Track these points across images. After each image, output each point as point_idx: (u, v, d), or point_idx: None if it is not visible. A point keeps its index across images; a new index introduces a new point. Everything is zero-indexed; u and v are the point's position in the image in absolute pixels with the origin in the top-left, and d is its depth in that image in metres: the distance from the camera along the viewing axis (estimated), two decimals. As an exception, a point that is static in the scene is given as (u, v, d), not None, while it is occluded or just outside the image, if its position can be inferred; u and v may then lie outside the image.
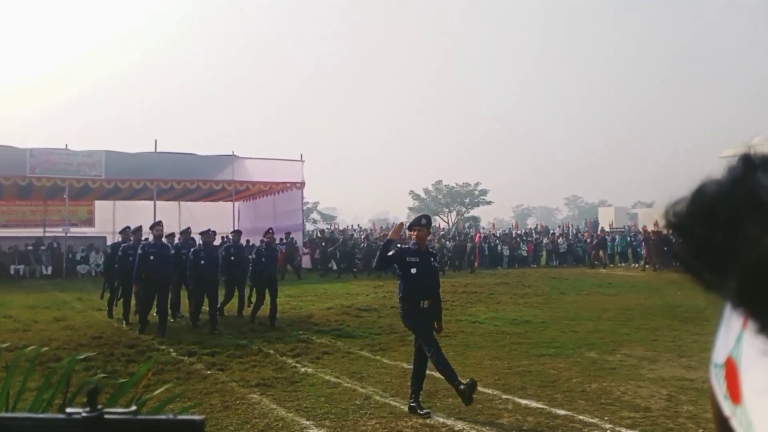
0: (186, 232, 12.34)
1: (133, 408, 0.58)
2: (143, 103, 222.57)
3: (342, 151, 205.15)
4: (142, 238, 11.44)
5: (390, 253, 5.76)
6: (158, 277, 9.67)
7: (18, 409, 1.74)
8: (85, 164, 22.78)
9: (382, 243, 8.02)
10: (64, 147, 22.95)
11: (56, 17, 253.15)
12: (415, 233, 5.88)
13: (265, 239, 11.31)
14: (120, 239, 12.25)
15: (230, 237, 12.60)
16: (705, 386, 4.38)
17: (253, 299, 10.86)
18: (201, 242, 11.12)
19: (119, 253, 10.90)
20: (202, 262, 10.35)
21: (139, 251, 9.84)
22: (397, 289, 5.98)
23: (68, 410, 0.62)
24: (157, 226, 10.39)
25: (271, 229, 11.86)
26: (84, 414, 0.55)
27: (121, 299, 10.95)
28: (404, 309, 5.78)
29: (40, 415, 0.58)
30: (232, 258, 11.38)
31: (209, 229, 11.43)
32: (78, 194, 25.17)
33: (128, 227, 11.92)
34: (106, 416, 0.55)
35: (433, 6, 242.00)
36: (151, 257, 9.69)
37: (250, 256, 11.56)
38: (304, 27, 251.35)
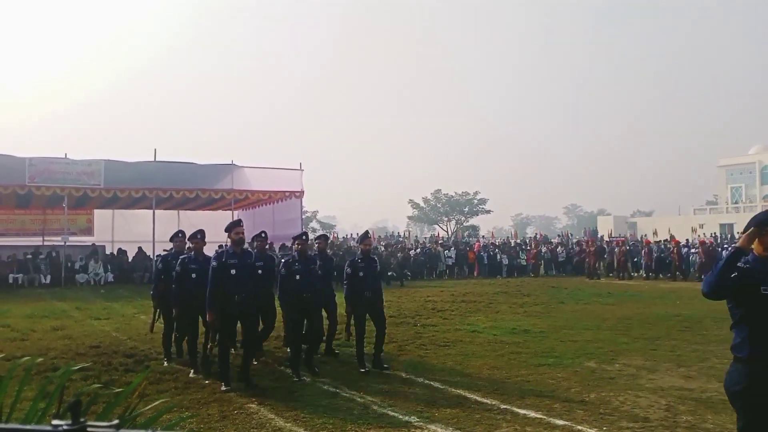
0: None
1: (115, 422, 0.58)
2: (142, 113, 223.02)
3: (341, 159, 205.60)
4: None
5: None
6: (243, 299, 6.98)
7: (12, 420, 1.73)
8: (84, 173, 22.77)
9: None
10: (64, 156, 22.92)
11: (55, 25, 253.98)
12: None
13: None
14: (172, 250, 9.63)
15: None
16: (704, 396, 4.42)
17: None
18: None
19: (177, 268, 7.95)
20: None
21: (214, 264, 6.96)
22: None
23: (54, 422, 0.62)
24: (236, 227, 7.27)
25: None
26: (65, 427, 0.55)
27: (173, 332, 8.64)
28: None
29: (27, 427, 0.59)
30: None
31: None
32: (77, 203, 25.17)
33: (181, 232, 9.45)
34: (88, 429, 0.56)
35: (432, 14, 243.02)
36: (233, 271, 6.87)
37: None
38: (303, 36, 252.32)
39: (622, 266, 25.84)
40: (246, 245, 7.80)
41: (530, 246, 31.25)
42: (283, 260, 8.21)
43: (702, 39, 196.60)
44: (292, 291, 7.53)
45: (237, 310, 6.90)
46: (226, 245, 8.16)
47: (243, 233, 7.21)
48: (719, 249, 27.46)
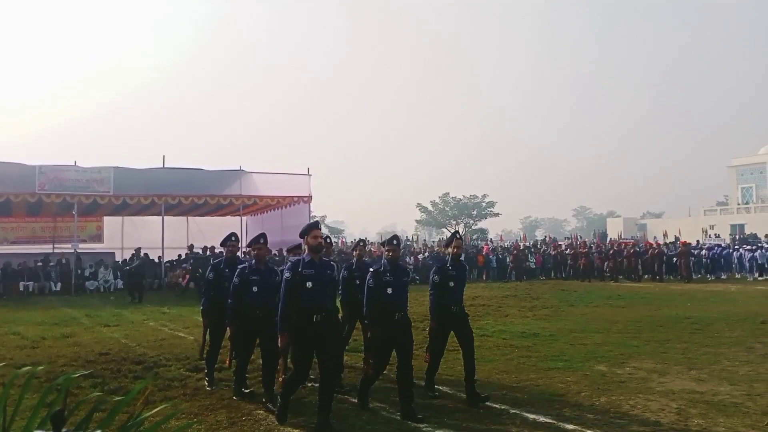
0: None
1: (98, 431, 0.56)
2: (151, 120, 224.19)
3: (349, 164, 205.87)
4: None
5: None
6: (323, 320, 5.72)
7: (13, 429, 1.73)
8: (93, 180, 22.92)
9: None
10: (73, 164, 23.09)
11: (66, 35, 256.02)
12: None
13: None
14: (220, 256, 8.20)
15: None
16: (715, 399, 4.37)
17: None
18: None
19: (235, 280, 6.58)
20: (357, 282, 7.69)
21: (287, 275, 5.68)
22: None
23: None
24: (313, 230, 6.00)
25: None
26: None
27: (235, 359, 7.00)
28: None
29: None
30: (357, 282, 7.74)
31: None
32: (87, 210, 25.32)
33: (234, 235, 7.65)
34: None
35: (440, 18, 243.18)
36: (309, 283, 5.64)
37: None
38: (311, 42, 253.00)
39: (633, 269, 25.77)
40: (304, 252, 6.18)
41: (541, 248, 31.17)
42: (371, 269, 6.46)
43: (711, 38, 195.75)
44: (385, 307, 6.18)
45: (314, 334, 5.57)
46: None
47: (321, 237, 5.99)
48: (703, 251, 27.34)
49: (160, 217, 24.33)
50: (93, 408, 1.80)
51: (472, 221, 64.29)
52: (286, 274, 5.71)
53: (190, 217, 29.49)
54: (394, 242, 6.48)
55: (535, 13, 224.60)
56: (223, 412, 6.05)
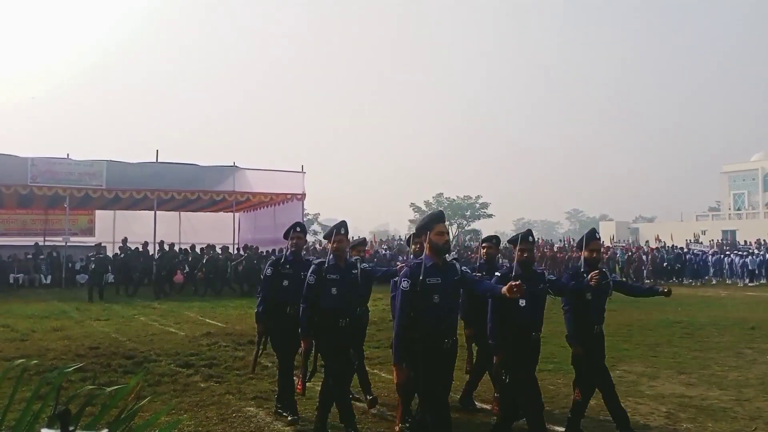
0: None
1: (105, 431, 0.56)
2: (145, 114, 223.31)
3: (343, 163, 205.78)
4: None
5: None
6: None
7: (7, 421, 1.72)
8: (86, 174, 22.79)
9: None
10: (66, 156, 22.96)
11: (58, 28, 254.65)
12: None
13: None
14: (285, 249, 6.57)
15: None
16: (704, 404, 4.37)
17: None
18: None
19: (311, 279, 5.36)
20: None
21: (405, 283, 4.35)
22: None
23: (43, 431, 0.61)
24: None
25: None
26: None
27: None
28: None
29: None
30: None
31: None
32: (79, 204, 25.19)
33: (300, 225, 6.35)
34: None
35: (435, 17, 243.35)
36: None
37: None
38: (306, 38, 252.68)
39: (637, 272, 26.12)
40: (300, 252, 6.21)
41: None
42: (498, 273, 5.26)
43: (705, 44, 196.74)
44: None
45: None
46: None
47: (447, 233, 4.68)
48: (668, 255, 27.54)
49: (153, 212, 24.22)
50: (86, 402, 1.79)
51: (465, 222, 64.34)
52: (406, 280, 4.28)
53: (182, 213, 29.39)
54: (530, 239, 5.15)
55: (537, 17, 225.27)
56: (213, 409, 6.04)
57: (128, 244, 22.16)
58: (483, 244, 6.73)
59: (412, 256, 6.00)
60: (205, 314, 13.89)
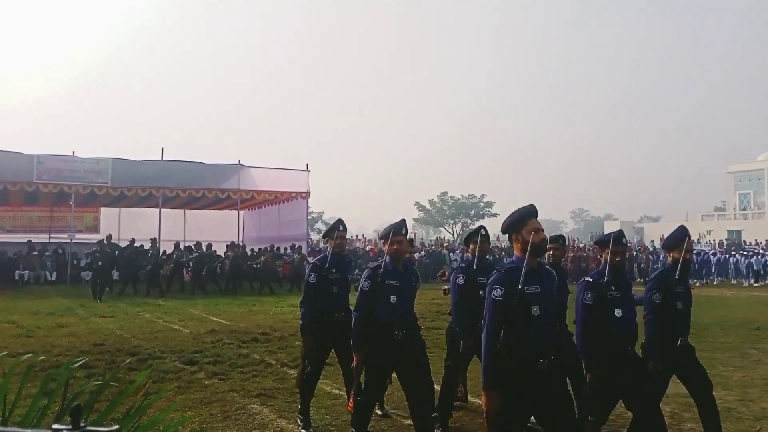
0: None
1: (116, 427, 0.57)
2: (150, 112, 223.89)
3: (347, 161, 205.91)
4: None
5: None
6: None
7: (14, 417, 1.73)
8: (91, 171, 22.89)
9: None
10: (71, 154, 23.06)
11: (62, 26, 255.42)
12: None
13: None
14: (326, 247, 6.23)
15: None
16: (708, 404, 4.22)
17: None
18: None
19: (364, 284, 4.69)
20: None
21: (501, 289, 3.65)
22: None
23: (54, 426, 0.61)
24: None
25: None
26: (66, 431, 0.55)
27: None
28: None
29: (28, 431, 0.59)
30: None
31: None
32: (84, 201, 25.29)
33: (342, 223, 5.64)
34: (88, 434, 0.55)
35: (439, 16, 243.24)
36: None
37: None
38: (311, 38, 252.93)
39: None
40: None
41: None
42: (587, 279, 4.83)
43: (712, 44, 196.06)
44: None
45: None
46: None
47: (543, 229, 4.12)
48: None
49: (157, 210, 24.29)
50: (92, 398, 1.80)
51: (469, 221, 64.35)
52: (495, 285, 3.66)
53: (187, 210, 29.46)
54: (624, 240, 4.63)
55: (545, 22, 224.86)
56: (217, 406, 6.05)
57: (114, 242, 22.11)
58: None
59: (468, 257, 5.57)
60: (210, 311, 13.92)
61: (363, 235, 43.58)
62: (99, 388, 1.84)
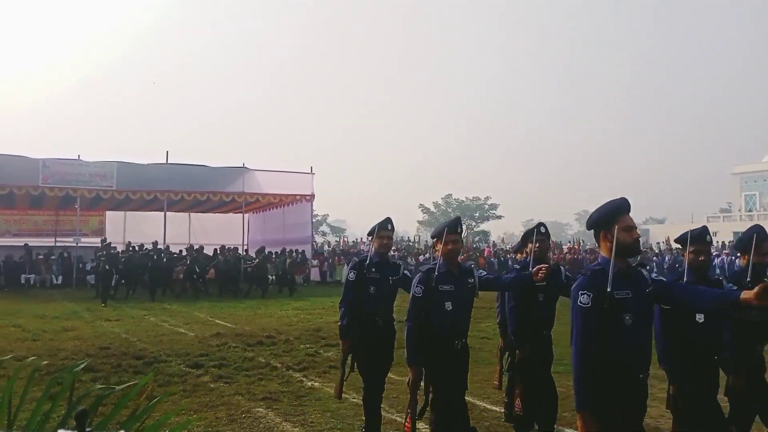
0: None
1: (121, 431, 0.56)
2: (155, 115, 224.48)
3: (352, 164, 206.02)
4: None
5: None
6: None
7: (19, 420, 1.73)
8: (97, 175, 22.97)
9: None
10: (77, 158, 23.14)
11: (66, 30, 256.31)
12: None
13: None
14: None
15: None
16: (715, 408, 4.16)
17: None
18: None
19: (416, 290, 4.34)
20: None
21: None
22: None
23: (60, 431, 0.61)
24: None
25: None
26: (71, 436, 0.54)
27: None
28: None
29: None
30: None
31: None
32: (89, 204, 25.37)
33: (389, 222, 5.25)
34: (93, 438, 0.54)
35: (445, 19, 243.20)
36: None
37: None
38: (316, 40, 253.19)
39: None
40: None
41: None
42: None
43: (717, 45, 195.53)
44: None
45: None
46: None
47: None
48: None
49: (163, 213, 24.34)
50: (97, 401, 1.80)
51: (474, 223, 64.30)
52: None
53: (192, 214, 29.51)
54: (708, 238, 4.19)
55: (553, 22, 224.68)
56: (222, 409, 6.05)
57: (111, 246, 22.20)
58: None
59: (527, 258, 5.18)
60: (215, 315, 13.93)
61: (368, 238, 43.50)
62: (104, 393, 1.83)
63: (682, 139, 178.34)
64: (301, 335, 10.69)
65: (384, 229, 5.11)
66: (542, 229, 5.28)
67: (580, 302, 3.22)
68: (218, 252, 21.81)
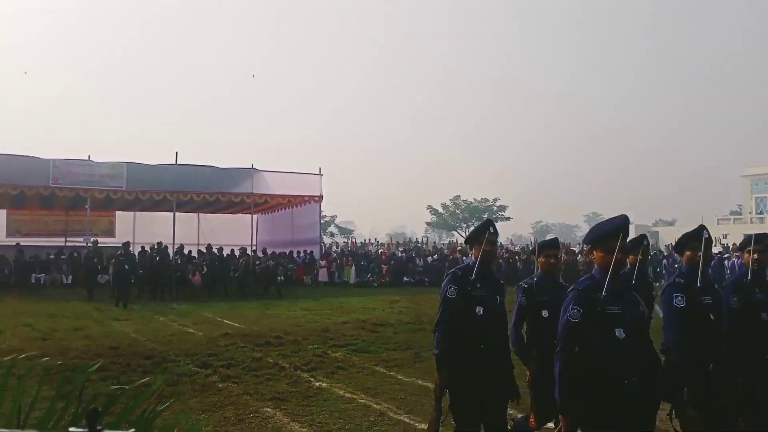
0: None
1: (132, 430, 0.57)
2: (165, 116, 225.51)
3: (360, 165, 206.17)
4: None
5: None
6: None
7: (30, 420, 1.74)
8: (107, 176, 23.08)
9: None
10: (87, 158, 23.27)
11: (76, 27, 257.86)
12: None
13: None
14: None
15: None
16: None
17: None
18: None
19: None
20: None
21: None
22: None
23: (71, 429, 0.62)
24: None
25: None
26: (82, 434, 0.55)
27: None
28: None
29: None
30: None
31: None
32: (99, 205, 25.46)
33: (491, 224, 4.27)
34: (105, 438, 0.55)
35: (454, 21, 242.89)
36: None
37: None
38: (322, 40, 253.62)
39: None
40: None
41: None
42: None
43: (727, 46, 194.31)
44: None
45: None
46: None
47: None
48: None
49: (172, 214, 24.42)
50: (108, 401, 1.81)
51: (482, 225, 64.14)
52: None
53: (201, 214, 29.58)
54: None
55: (559, 23, 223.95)
56: (231, 409, 6.07)
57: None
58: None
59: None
60: (223, 315, 13.97)
61: (375, 239, 43.59)
62: (116, 393, 1.85)
63: (692, 140, 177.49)
64: (309, 336, 10.70)
65: (487, 232, 4.10)
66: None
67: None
68: (205, 252, 21.99)
